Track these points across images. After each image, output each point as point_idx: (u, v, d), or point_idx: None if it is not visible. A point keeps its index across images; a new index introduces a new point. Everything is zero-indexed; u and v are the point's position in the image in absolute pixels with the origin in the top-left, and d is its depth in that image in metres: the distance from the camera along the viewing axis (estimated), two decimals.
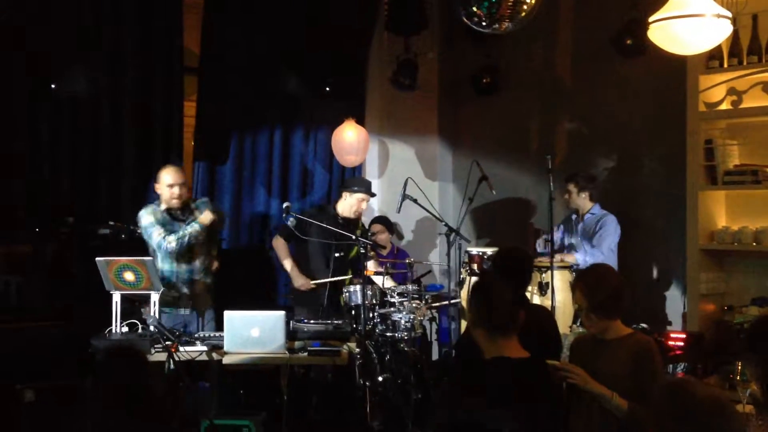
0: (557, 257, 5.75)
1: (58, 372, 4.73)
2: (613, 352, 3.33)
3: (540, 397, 3.00)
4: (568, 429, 3.39)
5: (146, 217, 5.21)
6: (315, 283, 5.69)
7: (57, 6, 5.63)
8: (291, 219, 5.60)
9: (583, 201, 5.91)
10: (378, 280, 5.90)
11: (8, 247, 5.41)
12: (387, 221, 7.00)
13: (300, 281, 5.68)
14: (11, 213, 5.56)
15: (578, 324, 5.19)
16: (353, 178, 6.09)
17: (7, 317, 4.97)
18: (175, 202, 5.22)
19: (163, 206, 5.25)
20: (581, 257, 5.70)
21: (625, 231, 5.79)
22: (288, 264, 5.77)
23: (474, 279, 5.81)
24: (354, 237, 5.41)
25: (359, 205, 5.79)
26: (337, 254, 5.70)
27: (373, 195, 6.00)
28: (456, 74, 7.60)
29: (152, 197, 6.07)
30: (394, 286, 5.89)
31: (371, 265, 6.07)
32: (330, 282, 5.69)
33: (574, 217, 6.04)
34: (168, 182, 5.20)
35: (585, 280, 3.43)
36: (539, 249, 5.97)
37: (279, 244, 5.82)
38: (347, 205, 5.77)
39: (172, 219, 5.26)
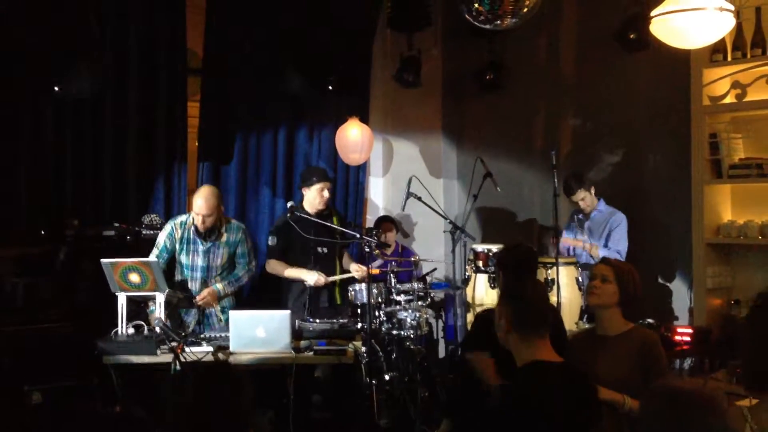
0: (586, 244, 5.74)
1: (64, 374, 4.74)
2: (615, 348, 3.32)
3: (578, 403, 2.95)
4: None
5: (162, 234, 5.24)
6: (330, 280, 5.56)
7: (59, 6, 5.63)
8: (272, 238, 5.53)
9: (591, 201, 5.87)
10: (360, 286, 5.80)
11: (14, 250, 5.42)
12: (393, 220, 7.00)
13: (313, 278, 5.48)
14: (17, 215, 5.58)
15: (584, 320, 5.19)
16: (305, 172, 5.90)
17: (14, 319, 4.99)
18: (200, 227, 5.18)
19: (192, 220, 5.22)
20: (603, 252, 5.67)
21: (631, 226, 5.78)
22: (291, 271, 5.57)
23: (479, 275, 5.81)
24: (358, 236, 5.39)
25: (321, 195, 5.58)
26: (320, 249, 5.62)
27: (329, 179, 5.78)
28: (459, 71, 7.59)
29: (157, 200, 6.10)
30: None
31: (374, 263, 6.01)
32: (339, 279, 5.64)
33: (580, 216, 5.99)
34: (195, 209, 5.16)
35: (620, 263, 3.50)
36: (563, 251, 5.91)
37: (273, 264, 5.62)
38: (310, 199, 5.62)
39: (196, 234, 5.23)
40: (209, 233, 5.25)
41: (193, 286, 5.30)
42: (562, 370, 3.00)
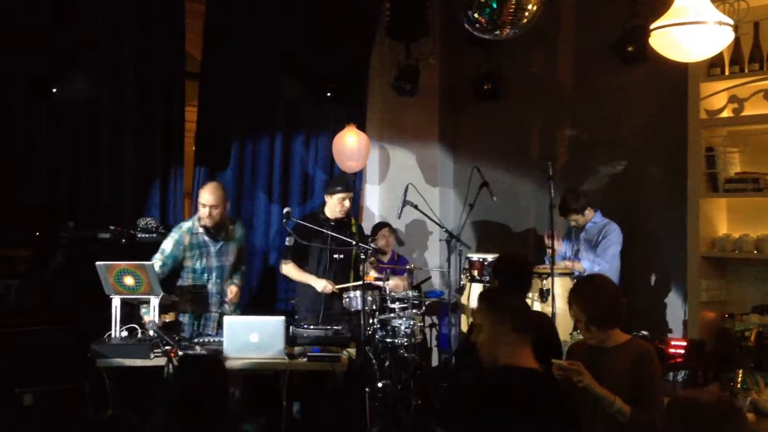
0: (566, 264, 5.74)
1: (57, 376, 4.72)
2: (612, 359, 3.32)
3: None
4: None
5: (168, 241, 5.24)
6: (339, 288, 5.56)
7: (57, 10, 5.63)
8: (289, 238, 5.55)
9: (588, 216, 5.89)
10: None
11: (9, 251, 5.40)
12: (391, 226, 7.00)
13: (321, 284, 5.52)
14: (12, 217, 5.56)
15: (578, 331, 5.18)
16: (331, 179, 6.00)
17: (6, 321, 4.96)
18: (207, 221, 5.23)
19: (200, 222, 5.27)
20: (588, 265, 5.68)
21: (626, 238, 5.78)
22: (305, 276, 5.62)
23: (474, 284, 5.81)
24: (354, 242, 5.39)
25: (342, 204, 5.64)
26: (336, 256, 5.65)
27: (352, 190, 5.85)
28: (457, 80, 7.61)
29: (153, 203, 6.09)
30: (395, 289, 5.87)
31: (371, 272, 6.02)
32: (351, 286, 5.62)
33: (575, 228, 6.00)
34: (201, 201, 5.24)
35: (581, 294, 3.42)
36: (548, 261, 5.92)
37: (289, 268, 5.66)
38: (330, 207, 5.68)
39: (207, 236, 5.27)
40: (218, 232, 5.30)
41: (210, 288, 5.33)
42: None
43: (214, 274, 5.33)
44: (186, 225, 5.32)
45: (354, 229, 5.78)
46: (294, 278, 5.69)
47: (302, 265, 5.65)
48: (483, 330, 3.15)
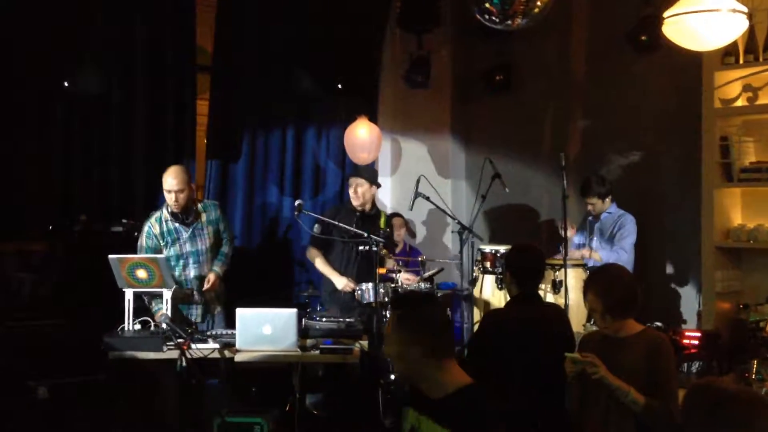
0: (583, 253, 5.71)
1: (71, 369, 4.75)
2: (626, 349, 3.31)
3: None
4: (584, 424, 3.38)
5: (141, 237, 5.16)
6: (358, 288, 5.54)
7: (68, 3, 5.64)
8: (316, 226, 5.53)
9: (606, 205, 5.85)
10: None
11: (22, 245, 5.43)
12: (403, 217, 6.98)
13: (342, 283, 5.53)
14: (25, 211, 5.58)
15: (592, 323, 5.15)
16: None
17: (20, 314, 4.99)
18: (174, 207, 5.12)
19: (169, 209, 5.16)
20: (605, 254, 5.64)
21: (640, 228, 5.75)
22: (326, 269, 5.63)
23: (486, 276, 5.79)
24: (366, 234, 5.37)
25: (354, 192, 5.64)
26: (361, 248, 5.62)
27: (361, 176, 5.76)
28: (469, 71, 7.57)
29: (164, 197, 6.10)
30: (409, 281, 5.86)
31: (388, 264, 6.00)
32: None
33: (590, 218, 5.97)
34: (165, 187, 5.09)
35: (597, 283, 3.39)
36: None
37: (313, 254, 5.67)
38: (350, 195, 5.70)
39: (178, 223, 5.17)
40: (187, 216, 5.18)
41: (188, 273, 5.25)
42: None
43: (190, 260, 5.23)
44: (154, 215, 5.21)
45: (382, 223, 5.72)
46: (314, 263, 5.69)
47: (328, 254, 5.66)
48: (392, 344, 2.62)
